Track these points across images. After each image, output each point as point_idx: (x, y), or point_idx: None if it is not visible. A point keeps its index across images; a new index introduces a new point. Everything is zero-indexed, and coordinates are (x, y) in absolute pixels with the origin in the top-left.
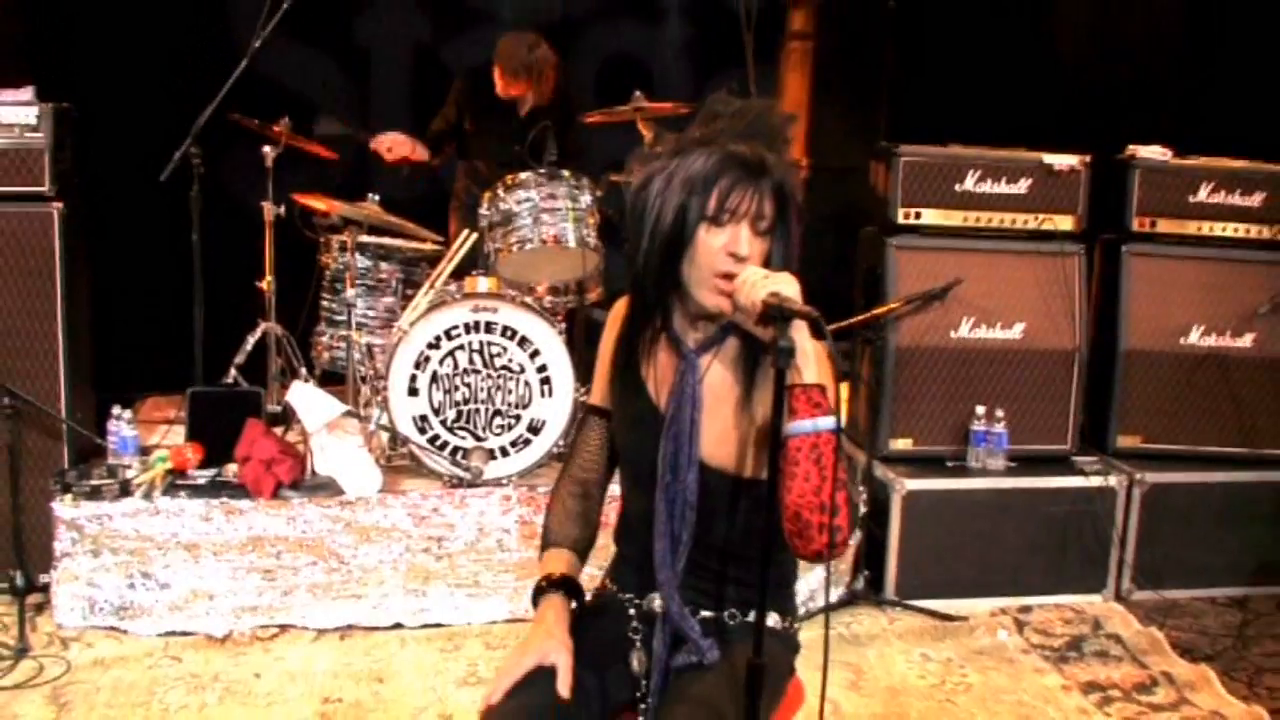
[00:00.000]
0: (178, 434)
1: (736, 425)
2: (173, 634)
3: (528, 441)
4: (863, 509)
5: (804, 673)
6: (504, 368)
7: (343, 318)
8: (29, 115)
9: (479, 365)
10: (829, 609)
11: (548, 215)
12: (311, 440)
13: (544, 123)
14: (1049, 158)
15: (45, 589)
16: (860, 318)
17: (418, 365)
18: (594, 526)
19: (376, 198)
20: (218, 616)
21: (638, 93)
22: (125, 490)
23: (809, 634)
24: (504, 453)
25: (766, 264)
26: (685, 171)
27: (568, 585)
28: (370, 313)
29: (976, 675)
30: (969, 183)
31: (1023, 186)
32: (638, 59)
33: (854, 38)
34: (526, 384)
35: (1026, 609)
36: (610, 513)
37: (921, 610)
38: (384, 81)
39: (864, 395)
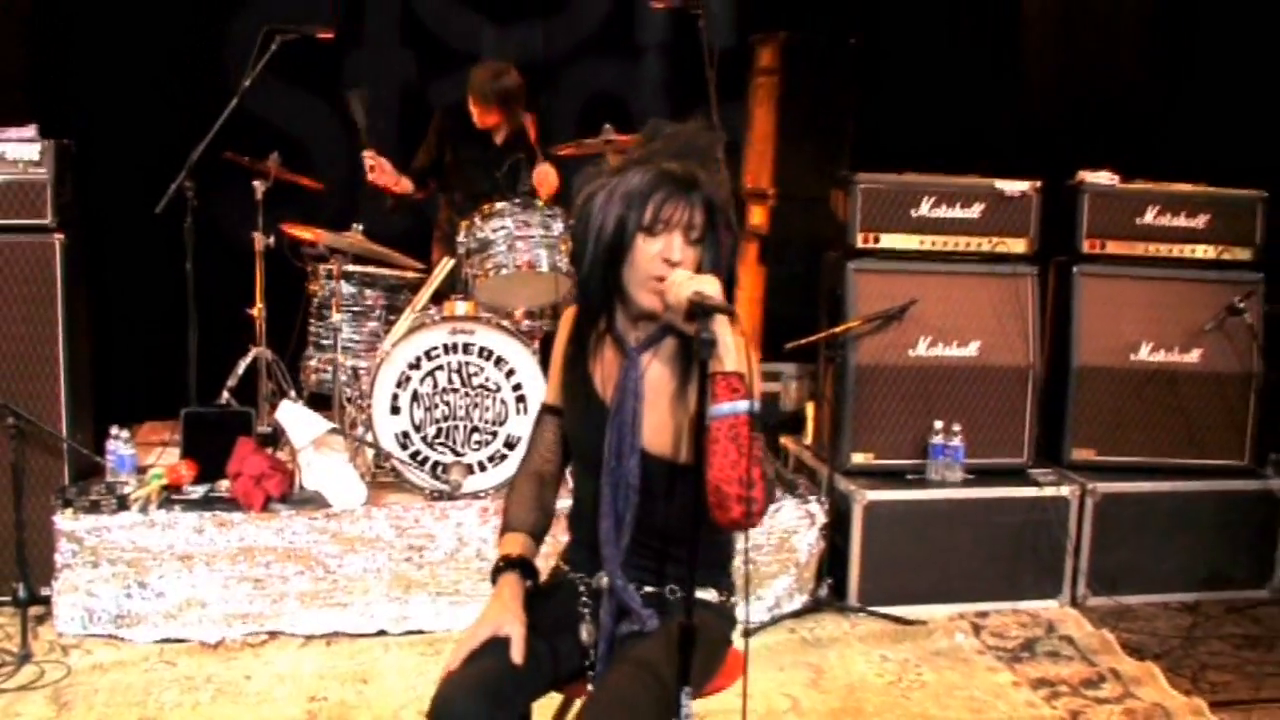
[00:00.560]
0: (173, 455)
1: (673, 415)
2: (168, 641)
3: (504, 456)
4: (824, 519)
5: (766, 672)
6: (481, 386)
7: (329, 342)
8: (32, 151)
9: (457, 384)
10: (793, 615)
11: (522, 242)
12: (299, 456)
13: (517, 155)
14: (1000, 183)
15: (46, 601)
16: (818, 336)
17: (399, 385)
18: (549, 513)
19: (360, 228)
20: (210, 624)
21: (607, 126)
22: (123, 504)
23: (774, 638)
24: (481, 467)
25: (699, 269)
26: (625, 187)
27: (523, 565)
28: (355, 337)
29: (932, 674)
30: (924, 208)
31: (976, 211)
32: (617, 96)
33: (818, 73)
34: (502, 402)
35: (984, 614)
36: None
37: (882, 615)
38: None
39: (826, 411)
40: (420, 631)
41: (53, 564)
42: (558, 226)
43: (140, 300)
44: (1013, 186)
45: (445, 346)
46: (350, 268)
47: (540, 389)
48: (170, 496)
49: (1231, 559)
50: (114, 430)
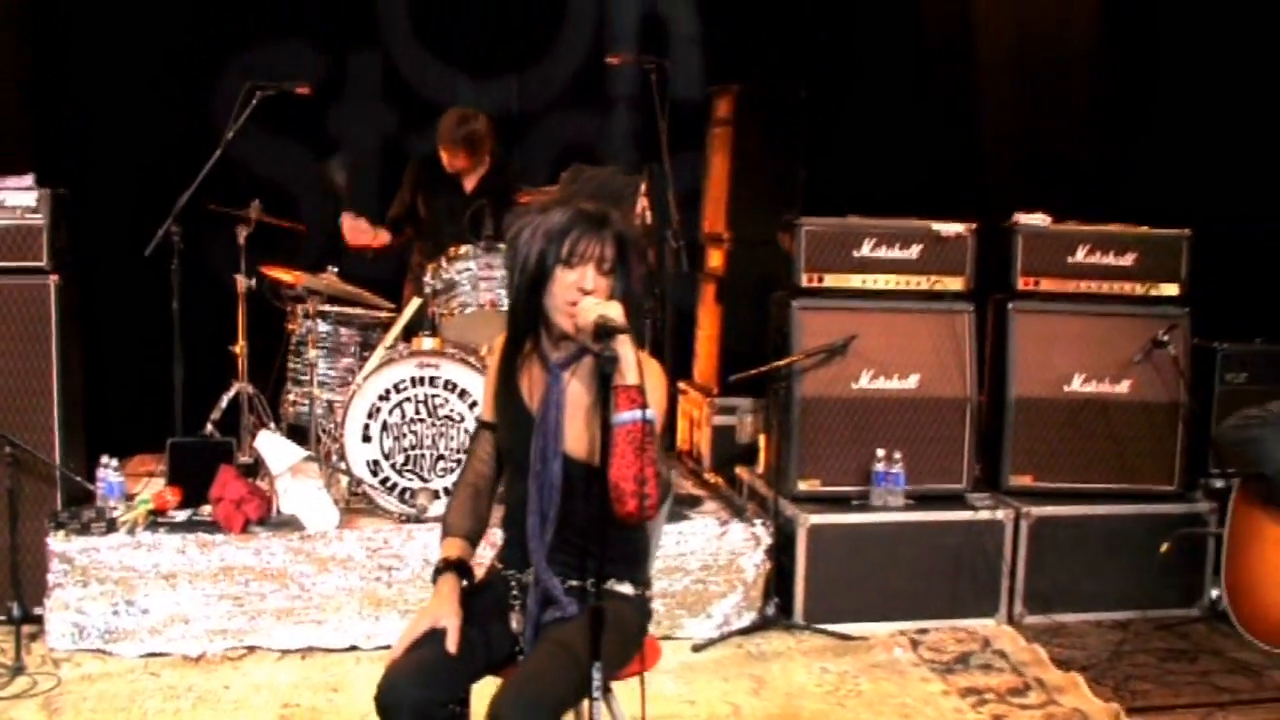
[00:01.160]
0: (159, 485)
1: (590, 424)
2: (153, 655)
3: None
4: (768, 540)
5: (712, 683)
6: (446, 417)
7: (306, 377)
8: (29, 199)
9: (424, 415)
10: (741, 632)
11: (485, 282)
12: (276, 482)
13: (481, 202)
14: (937, 225)
15: (39, 620)
16: (761, 369)
17: (371, 415)
18: (484, 520)
19: (335, 270)
20: (192, 639)
21: (564, 175)
22: (112, 527)
23: (722, 653)
24: (447, 493)
25: (611, 296)
26: (546, 225)
27: (460, 567)
28: (331, 372)
29: (868, 684)
30: (865, 249)
31: (914, 252)
32: (589, 146)
33: (769, 123)
34: (466, 431)
35: (924, 631)
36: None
37: (826, 632)
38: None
39: (774, 441)
40: (389, 646)
41: (45, 584)
42: None
43: (129, 337)
44: (949, 228)
45: (413, 379)
46: (326, 308)
47: None
48: (156, 520)
49: (1162, 579)
50: (104, 459)
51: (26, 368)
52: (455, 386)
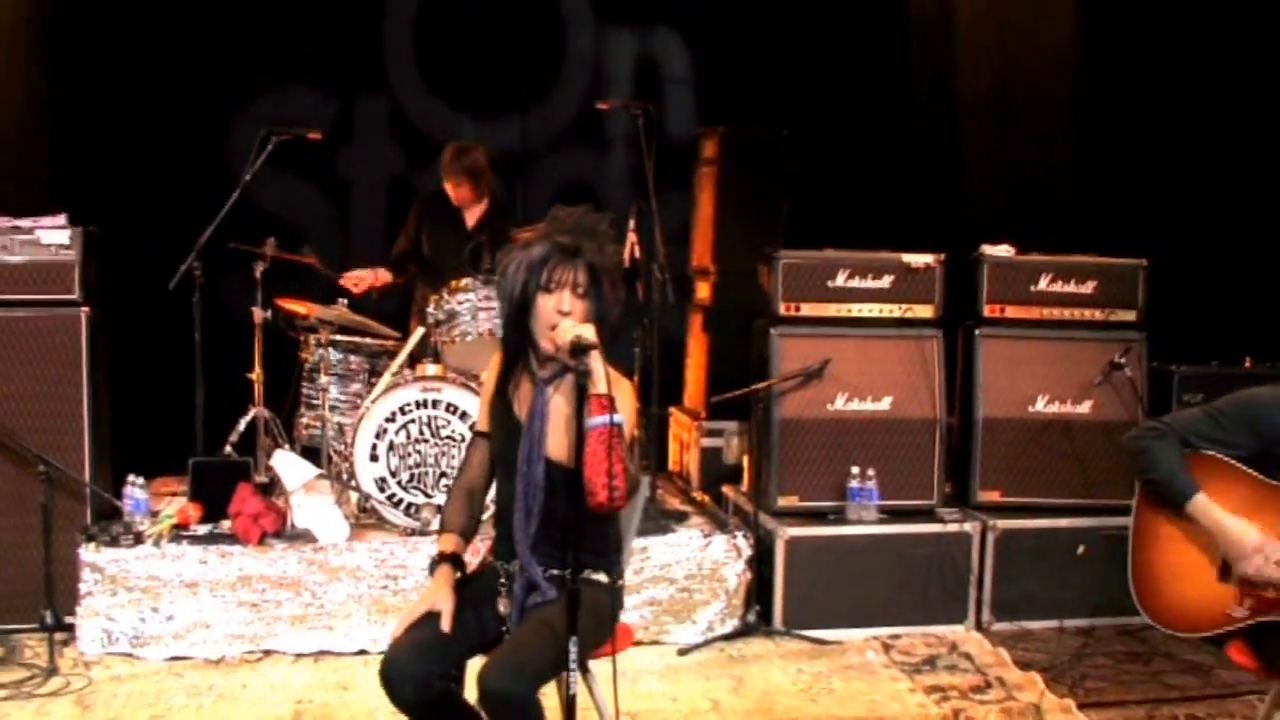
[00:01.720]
0: (182, 502)
1: (569, 432)
2: (177, 658)
3: None
4: (749, 551)
5: (694, 682)
6: (448, 437)
7: (318, 401)
8: (62, 237)
9: (427, 435)
10: (724, 637)
11: (484, 313)
12: (291, 498)
13: (480, 238)
14: (907, 257)
15: (70, 628)
16: (740, 391)
17: (378, 436)
18: (476, 519)
19: (345, 302)
20: (213, 643)
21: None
22: (139, 540)
23: (705, 656)
24: None
25: (586, 318)
26: (528, 258)
27: (454, 559)
28: (341, 397)
29: (840, 683)
30: (840, 280)
31: (886, 282)
32: (587, 184)
33: (752, 162)
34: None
35: (896, 636)
36: None
37: (804, 637)
38: (362, 206)
39: (756, 459)
40: None
41: (76, 594)
42: None
43: (154, 365)
44: (918, 259)
45: (417, 403)
46: (336, 337)
47: None
48: (179, 533)
49: (1122, 587)
50: (130, 478)
51: (59, 393)
52: (456, 409)
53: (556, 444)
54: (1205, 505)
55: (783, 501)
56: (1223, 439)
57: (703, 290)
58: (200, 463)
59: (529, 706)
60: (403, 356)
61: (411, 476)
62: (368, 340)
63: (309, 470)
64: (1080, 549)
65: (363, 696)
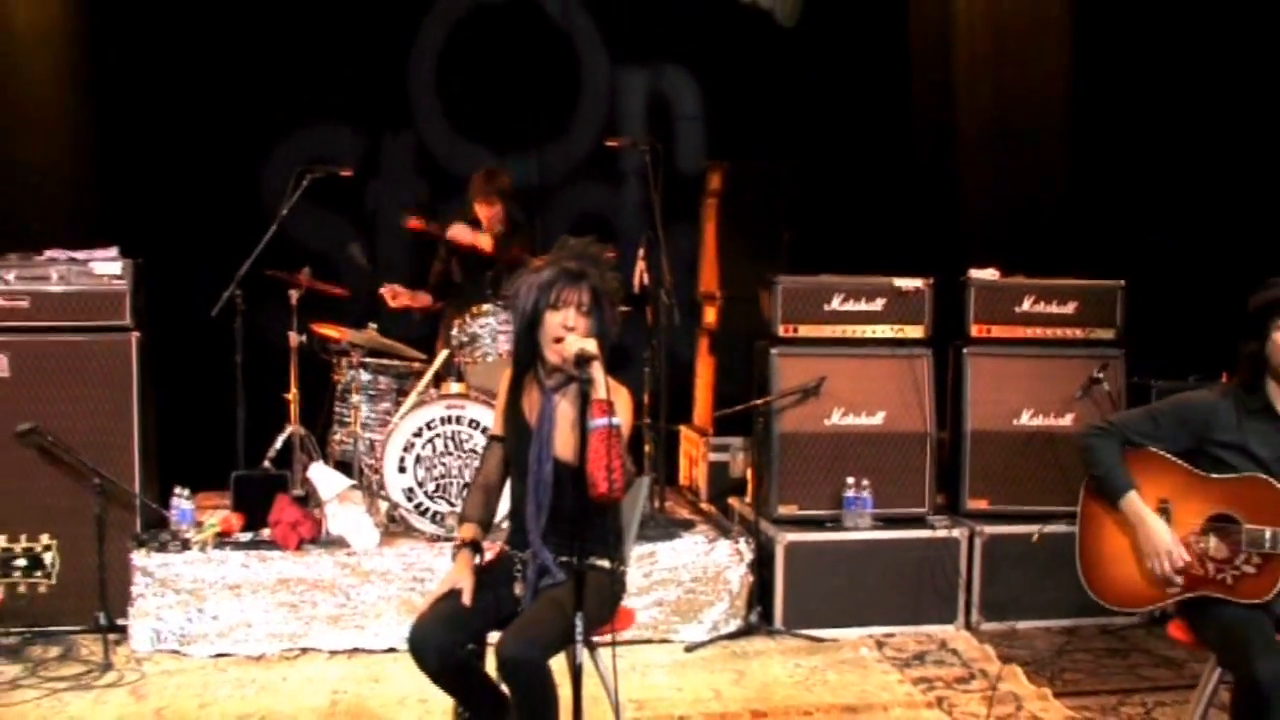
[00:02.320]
0: (225, 512)
1: (575, 434)
2: (221, 655)
3: None
4: (750, 555)
5: (699, 675)
6: (471, 450)
7: (350, 419)
8: (115, 268)
9: (452, 449)
10: (728, 636)
11: (504, 335)
12: (325, 508)
13: (500, 267)
14: (899, 281)
15: (123, 630)
16: (741, 407)
17: (406, 449)
18: (493, 512)
19: (375, 326)
20: (255, 641)
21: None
22: (186, 546)
23: (710, 653)
24: None
25: (588, 333)
26: (538, 280)
27: (474, 545)
28: (371, 415)
29: (834, 675)
30: (835, 303)
31: (878, 304)
32: (603, 215)
33: (755, 193)
34: None
35: (890, 635)
36: None
37: (802, 636)
38: (389, 237)
39: (758, 470)
40: None
41: (127, 596)
42: None
43: (198, 386)
44: (909, 283)
45: (442, 419)
46: (367, 359)
47: None
48: (223, 540)
49: None
50: (177, 489)
51: (111, 411)
52: (478, 424)
53: (564, 445)
54: (1133, 503)
55: (783, 510)
56: (1160, 436)
57: (709, 315)
58: (241, 476)
59: (540, 671)
60: (429, 376)
61: (437, 487)
62: (396, 362)
63: (342, 482)
64: (1035, 535)
65: (393, 688)
